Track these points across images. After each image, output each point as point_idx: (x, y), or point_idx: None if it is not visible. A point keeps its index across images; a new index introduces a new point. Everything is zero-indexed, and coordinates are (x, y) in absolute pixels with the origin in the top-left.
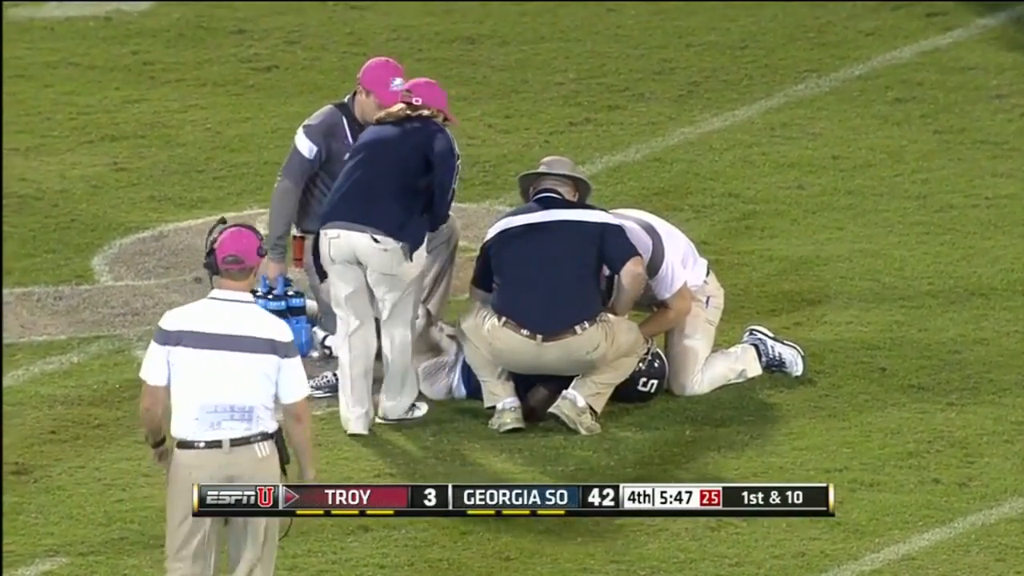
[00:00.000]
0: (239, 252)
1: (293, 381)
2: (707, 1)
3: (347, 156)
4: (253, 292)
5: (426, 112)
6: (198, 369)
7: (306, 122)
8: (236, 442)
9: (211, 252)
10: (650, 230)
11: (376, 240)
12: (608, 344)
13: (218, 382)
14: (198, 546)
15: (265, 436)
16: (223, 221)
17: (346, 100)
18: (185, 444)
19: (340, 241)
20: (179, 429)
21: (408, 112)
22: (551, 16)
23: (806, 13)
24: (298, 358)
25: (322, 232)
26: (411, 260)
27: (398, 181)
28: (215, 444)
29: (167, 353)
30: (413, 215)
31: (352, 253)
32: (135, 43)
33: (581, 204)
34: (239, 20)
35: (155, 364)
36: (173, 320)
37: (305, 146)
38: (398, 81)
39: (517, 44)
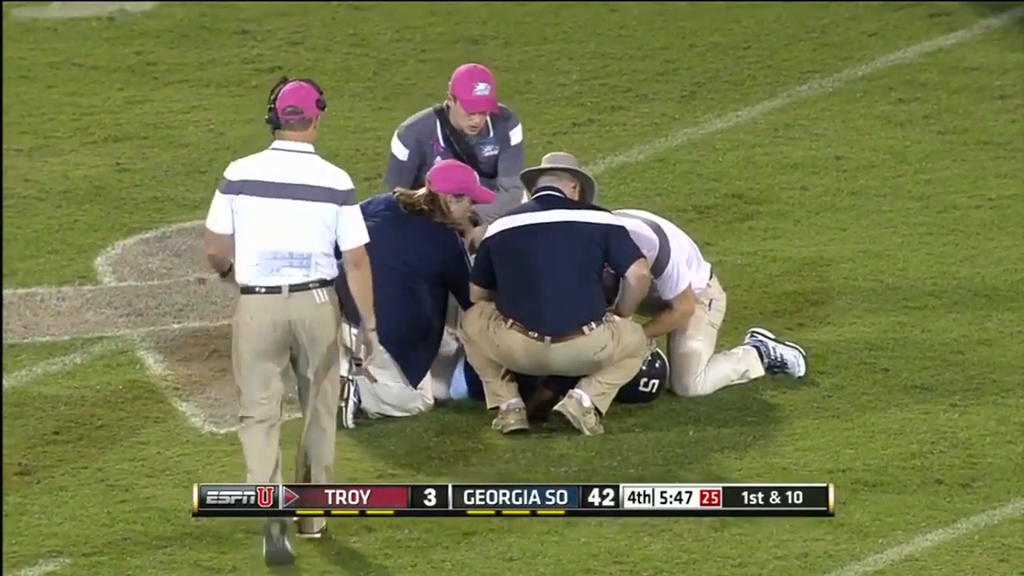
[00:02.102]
0: (298, 103)
1: (351, 228)
2: (710, 2)
3: None
4: None
5: (439, 214)
6: (259, 217)
7: (401, 124)
8: (295, 288)
9: (272, 108)
10: (656, 229)
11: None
12: (615, 344)
13: (278, 229)
14: (274, 385)
15: (323, 283)
16: (285, 80)
17: (444, 104)
18: (247, 290)
19: None
20: (242, 275)
21: (426, 204)
22: (554, 17)
23: (809, 14)
24: (356, 206)
25: None
26: (411, 388)
27: (398, 289)
28: (275, 290)
29: (230, 201)
30: (411, 335)
31: (344, 340)
32: (138, 44)
33: (584, 204)
34: (242, 21)
35: (219, 212)
36: (237, 170)
37: (399, 150)
38: (482, 86)
39: (520, 45)
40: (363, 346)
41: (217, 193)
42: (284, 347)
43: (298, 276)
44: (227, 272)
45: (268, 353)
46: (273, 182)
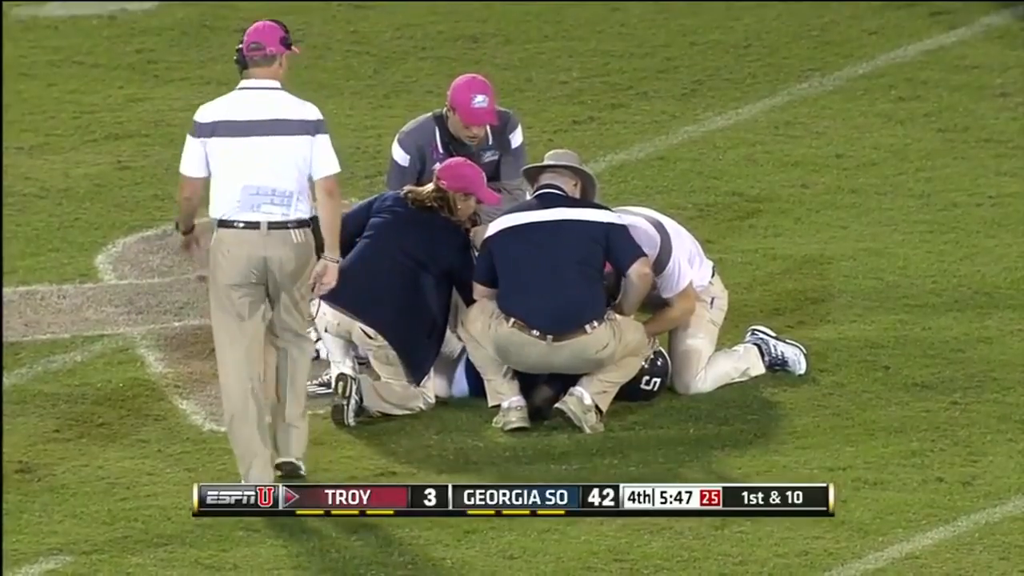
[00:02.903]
0: (260, 39)
1: (323, 157)
2: (711, 0)
3: (365, 232)
4: None
5: (447, 211)
6: (237, 156)
7: (401, 130)
8: (273, 225)
9: (239, 50)
10: (658, 227)
11: (368, 336)
12: (616, 342)
13: (258, 166)
14: (251, 316)
15: (300, 223)
16: None
17: (443, 111)
18: (226, 223)
19: (340, 328)
20: (221, 209)
21: (435, 201)
22: (555, 15)
23: (810, 12)
24: (327, 136)
25: (318, 305)
26: (414, 386)
27: (406, 285)
28: (253, 225)
29: (203, 145)
30: (417, 332)
31: (348, 335)
32: (139, 42)
33: (585, 202)
34: (243, 19)
35: (191, 157)
36: (207, 113)
37: (400, 155)
38: (480, 98)
39: (521, 43)
40: (319, 274)
41: (188, 137)
42: (259, 282)
43: (277, 214)
44: (189, 231)
45: (243, 286)
46: (245, 120)
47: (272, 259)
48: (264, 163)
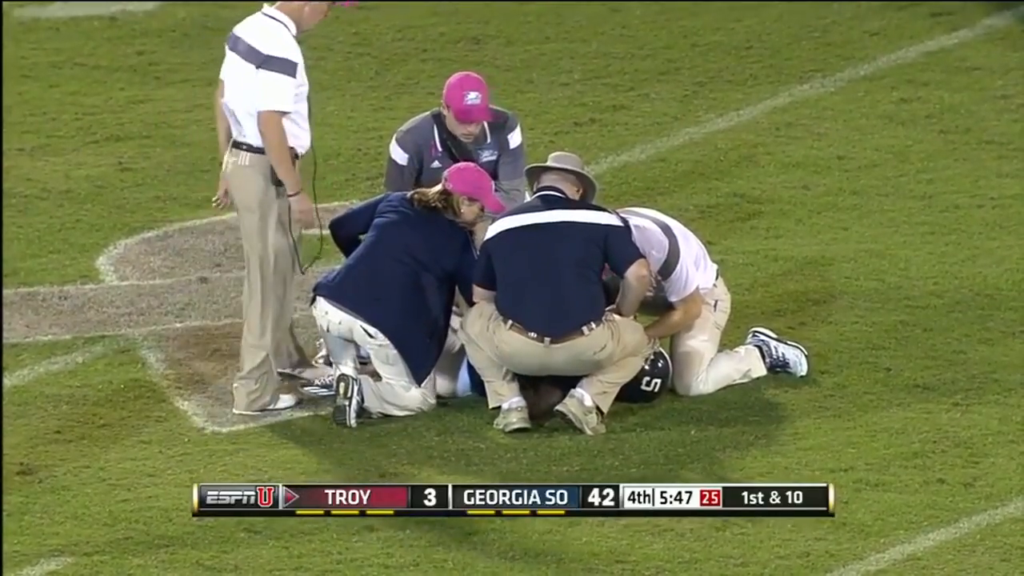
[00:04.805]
0: None
1: (262, 90)
2: (712, 1)
3: (370, 230)
4: None
5: (451, 212)
6: (224, 70)
7: (399, 129)
8: (235, 144)
9: None
10: (667, 230)
11: (369, 335)
12: (615, 344)
13: (227, 84)
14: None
15: (251, 148)
16: None
17: (440, 109)
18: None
19: (342, 327)
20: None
21: (439, 202)
22: (556, 16)
23: (811, 13)
24: (277, 74)
25: (320, 303)
26: (415, 386)
27: (408, 285)
28: (229, 141)
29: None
30: (419, 332)
31: (350, 334)
32: (140, 43)
33: (584, 204)
34: None
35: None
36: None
37: (398, 154)
38: (473, 95)
39: (522, 44)
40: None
41: None
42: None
43: (236, 133)
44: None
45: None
46: (233, 35)
47: (225, 175)
48: (228, 82)
